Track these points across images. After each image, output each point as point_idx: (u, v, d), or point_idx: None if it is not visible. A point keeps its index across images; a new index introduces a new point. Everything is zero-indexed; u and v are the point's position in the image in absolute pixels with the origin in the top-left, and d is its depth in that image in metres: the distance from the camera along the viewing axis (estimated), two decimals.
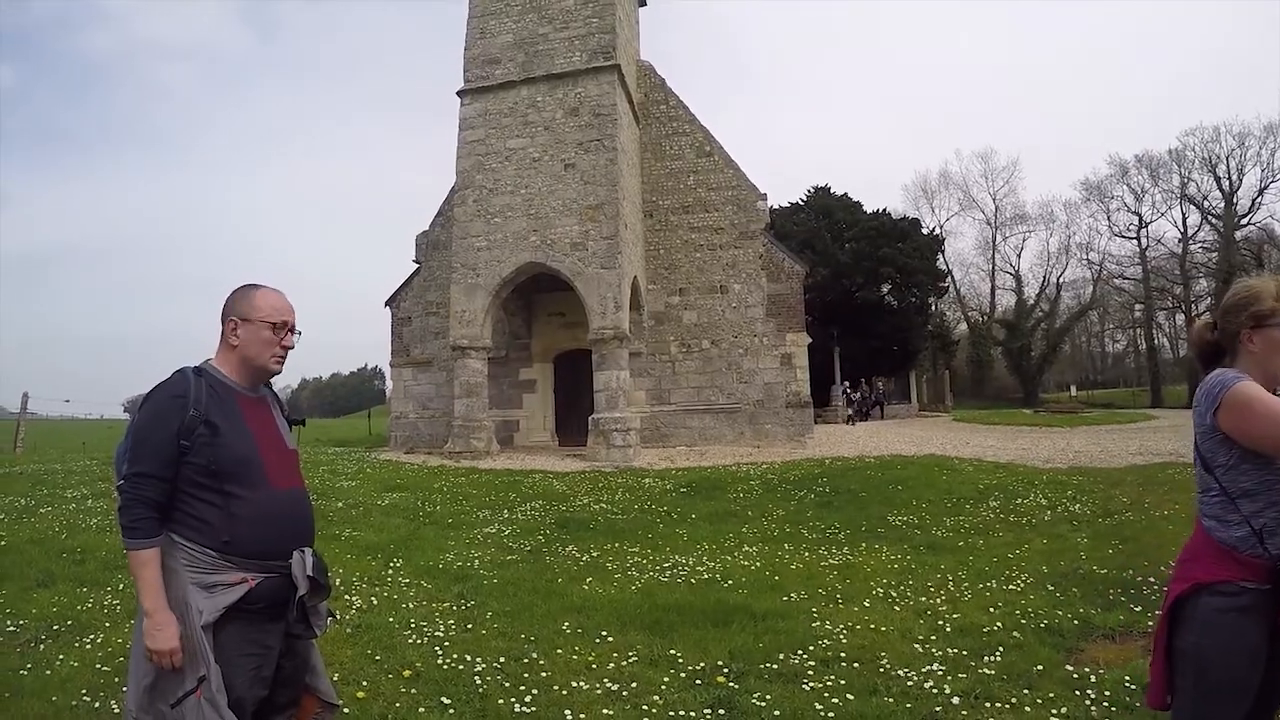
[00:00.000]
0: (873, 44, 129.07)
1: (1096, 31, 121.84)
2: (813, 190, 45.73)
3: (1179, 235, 55.06)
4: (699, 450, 20.14)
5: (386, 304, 24.26)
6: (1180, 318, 58.64)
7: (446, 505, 11.93)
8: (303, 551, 2.73)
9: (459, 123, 20.66)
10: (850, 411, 35.80)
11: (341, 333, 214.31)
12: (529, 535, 9.80)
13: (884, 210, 45.68)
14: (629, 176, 21.15)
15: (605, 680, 4.79)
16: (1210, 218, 53.31)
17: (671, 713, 4.38)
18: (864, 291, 41.34)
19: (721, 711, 4.35)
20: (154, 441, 2.61)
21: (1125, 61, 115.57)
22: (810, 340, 22.97)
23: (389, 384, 24.98)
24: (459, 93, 20.78)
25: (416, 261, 24.07)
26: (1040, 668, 5.04)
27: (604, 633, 5.71)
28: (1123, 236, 58.31)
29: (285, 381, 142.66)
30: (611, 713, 4.39)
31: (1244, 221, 51.92)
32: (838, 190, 45.54)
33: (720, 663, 5.10)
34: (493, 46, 20.78)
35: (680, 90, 24.00)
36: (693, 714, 4.35)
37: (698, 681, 4.81)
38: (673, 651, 5.30)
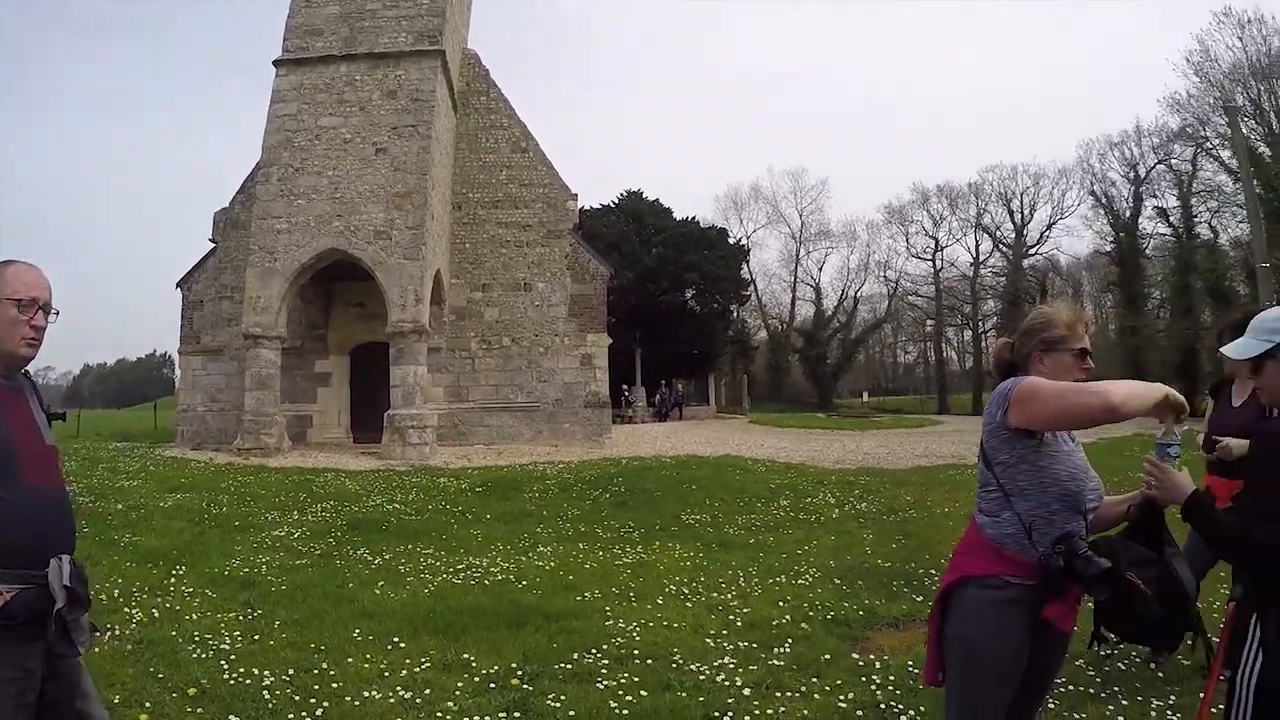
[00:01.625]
0: (705, 59, 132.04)
1: (917, 66, 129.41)
2: (625, 194, 46.17)
3: (971, 259, 60.14)
4: (497, 449, 19.96)
5: (178, 285, 22.25)
6: (968, 334, 63.56)
7: (233, 506, 11.28)
8: (60, 559, 2.44)
9: (271, 94, 19.57)
10: (649, 412, 36.43)
11: (133, 315, 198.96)
12: (319, 538, 9.40)
13: (693, 218, 46.75)
14: (441, 166, 20.70)
15: (398, 688, 4.65)
16: (1001, 246, 58.44)
17: (466, 718, 4.30)
18: (668, 296, 42.13)
19: (517, 715, 4.31)
20: None
21: (939, 97, 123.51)
22: (611, 341, 23.17)
23: (179, 373, 22.99)
24: (275, 63, 19.72)
25: (213, 241, 22.21)
26: (828, 657, 5.25)
27: (396, 638, 5.54)
28: (919, 258, 62.62)
29: (66, 367, 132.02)
30: None
31: (1032, 251, 57.14)
32: (650, 196, 46.22)
33: (514, 665, 5.05)
34: (317, 17, 19.84)
35: (506, 84, 23.71)
36: (487, 719, 4.29)
37: (492, 685, 4.75)
38: (466, 655, 5.21)
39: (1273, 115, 33.10)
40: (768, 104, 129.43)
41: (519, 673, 4.91)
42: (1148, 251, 45.66)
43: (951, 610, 2.72)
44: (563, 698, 4.50)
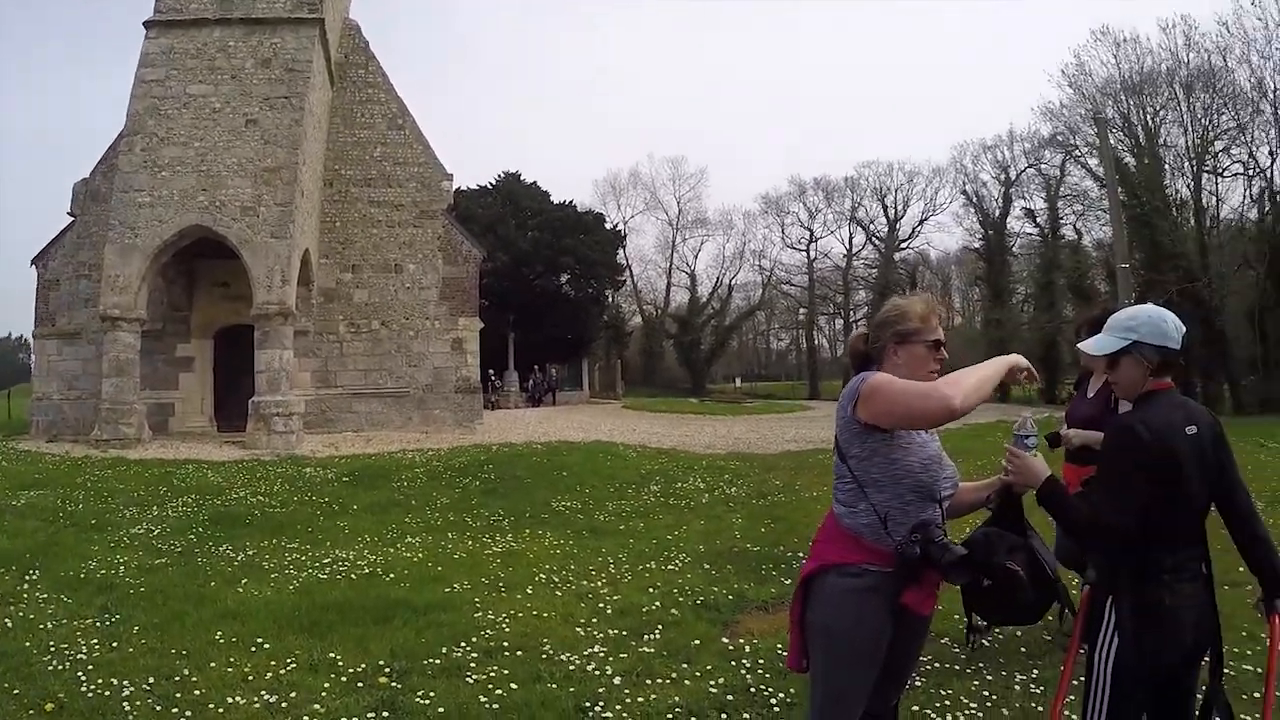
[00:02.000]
0: (594, 45, 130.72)
1: (805, 64, 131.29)
2: (503, 175, 45.55)
3: (845, 251, 62.56)
4: (366, 436, 19.55)
5: (33, 263, 20.59)
6: (839, 322, 66.21)
7: (90, 503, 10.75)
8: None
9: (140, 58, 18.31)
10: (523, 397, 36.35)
11: None
12: (180, 535, 9.02)
13: (570, 202, 46.58)
14: (314, 141, 19.93)
15: (263, 692, 4.52)
16: (874, 239, 61.15)
17: None
18: (543, 280, 41.88)
19: (385, 714, 4.24)
20: None
21: (823, 96, 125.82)
22: (483, 325, 22.90)
23: (34, 359, 21.58)
24: (146, 24, 18.46)
25: (72, 214, 20.57)
26: (698, 642, 5.35)
27: (260, 639, 5.38)
28: (794, 248, 64.51)
29: None
30: None
31: (903, 245, 60.22)
32: (529, 178, 45.76)
33: (382, 662, 4.98)
34: None
35: (387, 58, 23.06)
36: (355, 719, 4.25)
37: (359, 684, 4.67)
38: (333, 654, 5.10)
39: (1140, 129, 35.06)
40: (652, 91, 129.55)
41: (387, 670, 4.84)
42: (1014, 249, 49.25)
43: (812, 598, 2.77)
44: (432, 694, 4.46)
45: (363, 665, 4.94)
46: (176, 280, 20.61)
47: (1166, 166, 34.72)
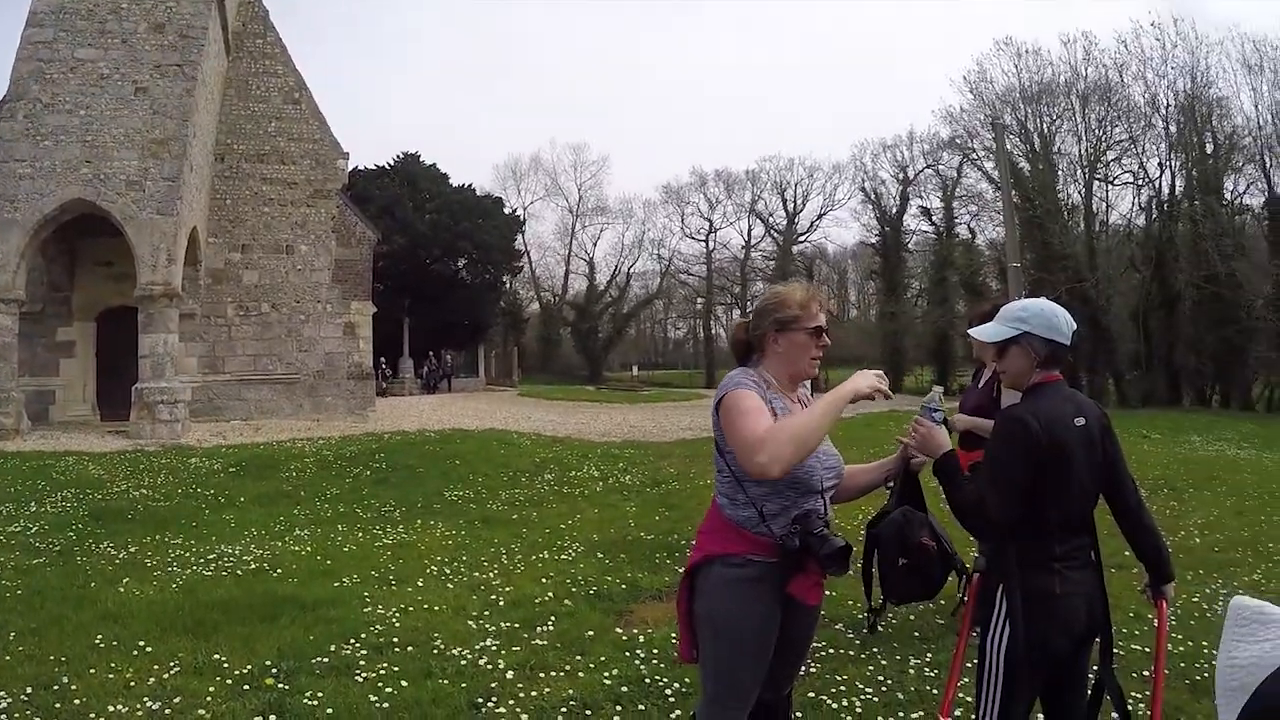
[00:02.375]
0: (497, 29, 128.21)
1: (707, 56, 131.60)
2: (402, 156, 44.68)
3: (743, 243, 63.18)
4: (254, 425, 19.13)
5: None
6: (736, 312, 66.47)
7: None
8: None
9: (28, 17, 17.20)
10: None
11: None
12: (59, 531, 8.58)
13: (470, 185, 46.06)
14: (205, 113, 19.17)
15: (146, 699, 4.32)
16: (773, 232, 61.94)
17: None
18: (440, 264, 41.37)
19: (273, 718, 4.12)
20: None
21: (729, 95, 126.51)
22: (376, 310, 22.61)
23: None
24: None
25: None
26: (592, 633, 5.36)
27: (143, 642, 5.14)
28: (693, 238, 64.85)
29: None
30: None
31: (801, 239, 61.15)
32: (429, 160, 45.04)
33: (269, 663, 4.80)
34: None
35: (286, 29, 22.50)
36: None
37: (246, 687, 4.50)
38: (218, 656, 4.92)
39: (1036, 136, 36.92)
40: (557, 77, 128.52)
41: (274, 671, 4.69)
42: (910, 245, 51.25)
43: (698, 589, 2.75)
44: (320, 695, 4.34)
45: (249, 667, 4.78)
46: (57, 259, 19.61)
47: (1060, 173, 36.86)
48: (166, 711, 4.24)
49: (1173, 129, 35.22)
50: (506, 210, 49.21)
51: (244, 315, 21.01)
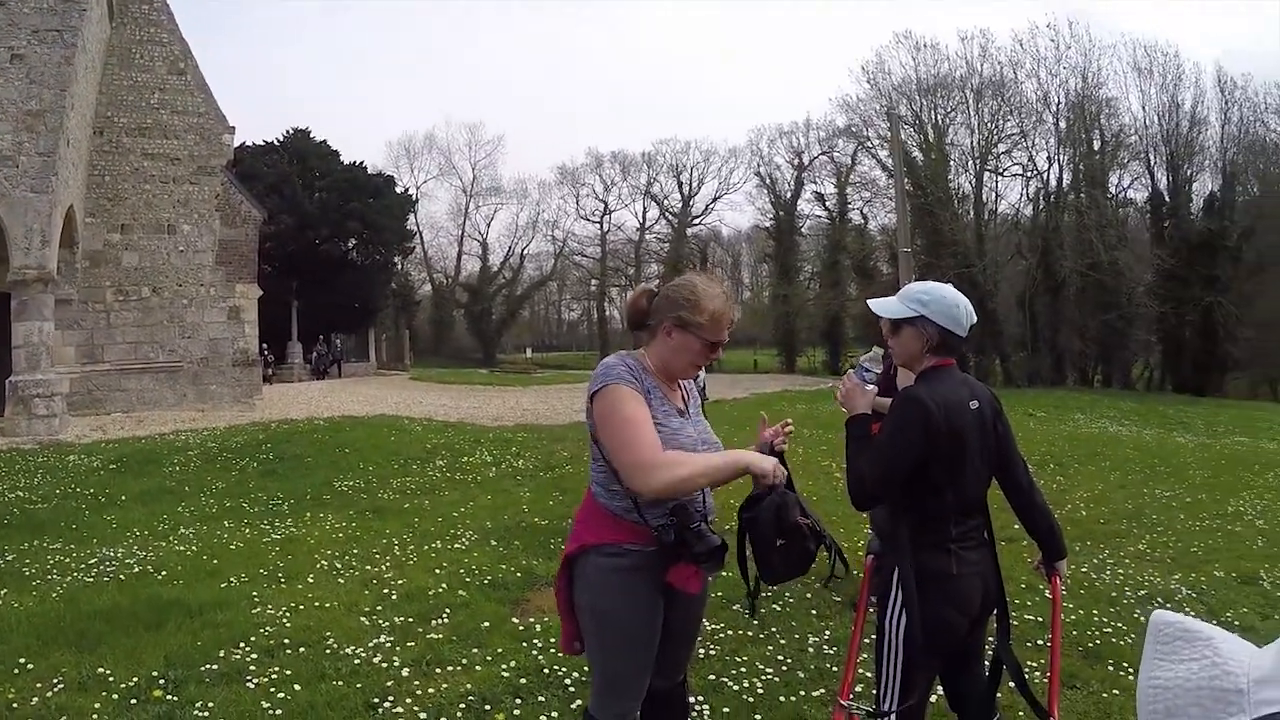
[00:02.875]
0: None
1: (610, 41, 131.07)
2: (291, 131, 42.83)
3: (638, 225, 63.57)
4: (137, 417, 18.26)
5: None
6: (630, 294, 66.74)
7: None
8: None
9: None
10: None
11: None
12: None
13: (360, 163, 44.55)
14: (85, 83, 17.95)
15: None
16: (668, 214, 62.45)
17: None
18: (329, 245, 40.10)
19: None
20: None
21: (624, 79, 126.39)
22: (262, 293, 21.85)
23: None
24: None
25: None
26: (488, 624, 5.28)
27: (23, 659, 4.82)
28: (588, 219, 65.15)
29: None
30: None
31: (696, 221, 61.88)
32: (319, 136, 43.46)
33: (156, 673, 4.59)
34: None
35: None
36: None
37: (133, 700, 4.29)
38: (103, 669, 4.65)
39: (930, 127, 38.29)
40: (458, 55, 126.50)
41: (161, 681, 4.48)
42: (804, 230, 52.06)
43: (577, 580, 2.71)
44: (211, 704, 4.19)
45: (136, 679, 4.54)
46: None
47: (952, 163, 38.17)
48: None
49: (1062, 125, 37.12)
50: (399, 189, 48.04)
51: (124, 300, 19.95)
